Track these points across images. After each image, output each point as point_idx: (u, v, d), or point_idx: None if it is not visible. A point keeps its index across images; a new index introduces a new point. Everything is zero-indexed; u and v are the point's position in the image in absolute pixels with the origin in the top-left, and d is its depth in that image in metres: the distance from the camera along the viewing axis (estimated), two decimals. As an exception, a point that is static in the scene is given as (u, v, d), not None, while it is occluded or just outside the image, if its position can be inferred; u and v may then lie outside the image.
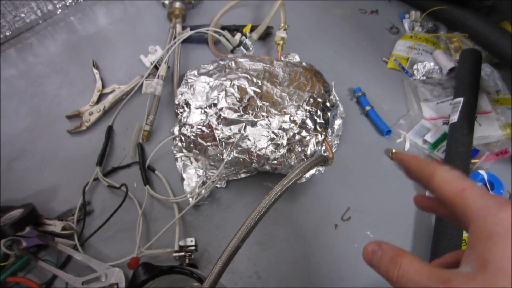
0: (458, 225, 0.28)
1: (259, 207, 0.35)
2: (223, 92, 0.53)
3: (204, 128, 0.53)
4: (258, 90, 0.54)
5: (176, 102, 0.57)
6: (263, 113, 0.52)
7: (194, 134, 0.54)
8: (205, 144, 0.53)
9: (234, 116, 0.52)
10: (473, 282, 0.20)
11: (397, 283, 0.23)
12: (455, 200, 0.24)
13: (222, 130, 0.52)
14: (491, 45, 0.67)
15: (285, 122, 0.51)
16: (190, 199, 0.56)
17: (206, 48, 0.75)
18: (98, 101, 0.69)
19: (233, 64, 0.58)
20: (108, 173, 0.61)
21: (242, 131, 0.51)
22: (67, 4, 0.83)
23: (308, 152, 0.52)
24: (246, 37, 0.71)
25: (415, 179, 0.29)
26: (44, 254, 0.55)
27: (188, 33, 0.70)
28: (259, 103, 0.53)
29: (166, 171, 0.61)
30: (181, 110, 0.56)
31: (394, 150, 0.33)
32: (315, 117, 0.53)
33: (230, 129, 0.52)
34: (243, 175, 0.59)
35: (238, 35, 0.72)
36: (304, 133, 0.52)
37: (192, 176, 0.58)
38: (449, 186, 0.25)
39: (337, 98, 0.59)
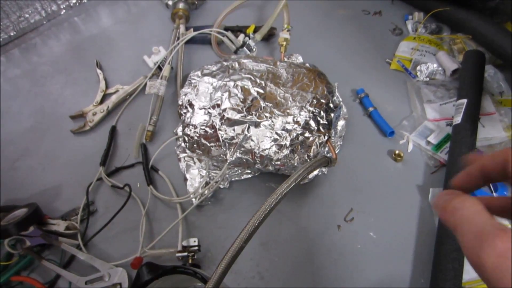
0: None
1: (262, 208, 0.35)
2: (227, 93, 0.53)
3: (207, 129, 0.53)
4: (261, 91, 0.54)
5: (180, 103, 0.57)
6: (267, 114, 0.52)
7: (197, 135, 0.54)
8: (208, 144, 0.54)
9: (237, 116, 0.52)
10: None
11: (449, 214, 0.23)
12: None
13: (225, 130, 0.52)
14: (495, 46, 0.67)
15: (289, 123, 0.52)
16: (193, 199, 0.56)
17: (209, 49, 0.76)
18: (102, 101, 0.69)
19: (237, 65, 0.58)
20: (112, 173, 0.62)
21: (246, 132, 0.52)
22: (71, 4, 0.83)
23: (311, 153, 0.52)
24: (249, 38, 0.71)
25: (493, 174, 0.27)
26: (47, 253, 0.55)
27: (191, 33, 0.70)
28: (262, 104, 0.53)
29: (169, 171, 0.61)
30: (185, 111, 0.56)
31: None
32: (318, 118, 0.53)
33: (234, 129, 0.52)
34: (246, 176, 0.59)
35: (241, 36, 0.72)
36: (307, 134, 0.52)
37: (195, 176, 0.58)
38: None
39: (340, 99, 0.59)
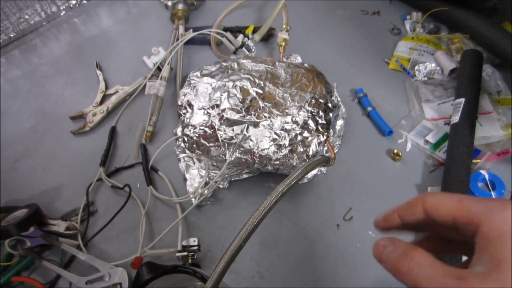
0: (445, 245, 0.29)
1: (261, 207, 0.35)
2: (226, 93, 0.54)
3: (206, 129, 0.54)
4: (260, 91, 0.54)
5: (179, 103, 0.57)
6: (265, 114, 0.52)
7: (197, 135, 0.54)
8: (207, 144, 0.54)
9: (236, 117, 0.52)
10: (488, 281, 0.20)
11: (406, 276, 0.23)
12: (456, 214, 0.24)
13: (224, 130, 0.52)
14: (493, 46, 0.67)
15: (287, 123, 0.52)
16: (193, 199, 0.56)
17: (208, 49, 0.76)
18: (102, 102, 0.69)
19: (236, 65, 0.58)
20: (112, 173, 0.62)
21: (245, 132, 0.52)
22: (71, 5, 0.84)
23: (310, 153, 0.52)
24: (248, 39, 0.71)
25: (410, 225, 0.28)
26: (48, 253, 0.55)
27: (190, 34, 0.71)
28: (261, 104, 0.53)
29: (169, 171, 0.61)
30: (184, 111, 0.56)
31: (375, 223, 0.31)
32: (317, 118, 0.53)
33: (233, 129, 0.52)
34: (245, 176, 0.59)
35: (240, 37, 0.73)
36: (306, 134, 0.52)
37: (195, 176, 0.58)
38: (446, 203, 0.25)
39: (339, 99, 0.60)
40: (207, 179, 0.57)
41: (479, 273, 0.21)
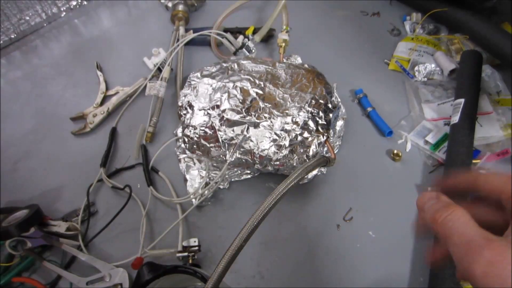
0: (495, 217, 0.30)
1: (261, 207, 0.35)
2: (226, 94, 0.54)
3: (207, 130, 0.54)
4: (260, 92, 0.54)
5: (179, 104, 0.57)
6: (266, 115, 0.52)
7: (197, 136, 0.54)
8: (208, 145, 0.54)
9: (236, 117, 0.52)
10: None
11: (440, 225, 0.25)
12: (505, 187, 0.26)
13: (225, 131, 0.53)
14: (492, 46, 0.67)
15: (287, 124, 0.52)
16: (193, 200, 0.56)
17: (209, 50, 0.76)
18: (102, 103, 0.70)
19: (236, 66, 0.58)
20: (112, 174, 0.62)
21: (245, 132, 0.52)
22: (71, 7, 0.84)
23: (310, 153, 0.52)
24: (248, 39, 0.72)
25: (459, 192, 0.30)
26: (48, 254, 0.55)
27: (191, 35, 0.71)
28: (261, 104, 0.53)
29: (170, 172, 0.62)
30: (184, 112, 0.56)
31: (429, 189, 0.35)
32: (317, 119, 0.53)
33: (233, 130, 0.52)
34: (245, 176, 0.59)
35: (240, 37, 0.73)
36: (306, 134, 0.52)
37: (195, 177, 0.58)
38: (497, 178, 0.27)
39: (339, 100, 0.60)
40: (208, 179, 0.57)
41: (507, 239, 0.22)
